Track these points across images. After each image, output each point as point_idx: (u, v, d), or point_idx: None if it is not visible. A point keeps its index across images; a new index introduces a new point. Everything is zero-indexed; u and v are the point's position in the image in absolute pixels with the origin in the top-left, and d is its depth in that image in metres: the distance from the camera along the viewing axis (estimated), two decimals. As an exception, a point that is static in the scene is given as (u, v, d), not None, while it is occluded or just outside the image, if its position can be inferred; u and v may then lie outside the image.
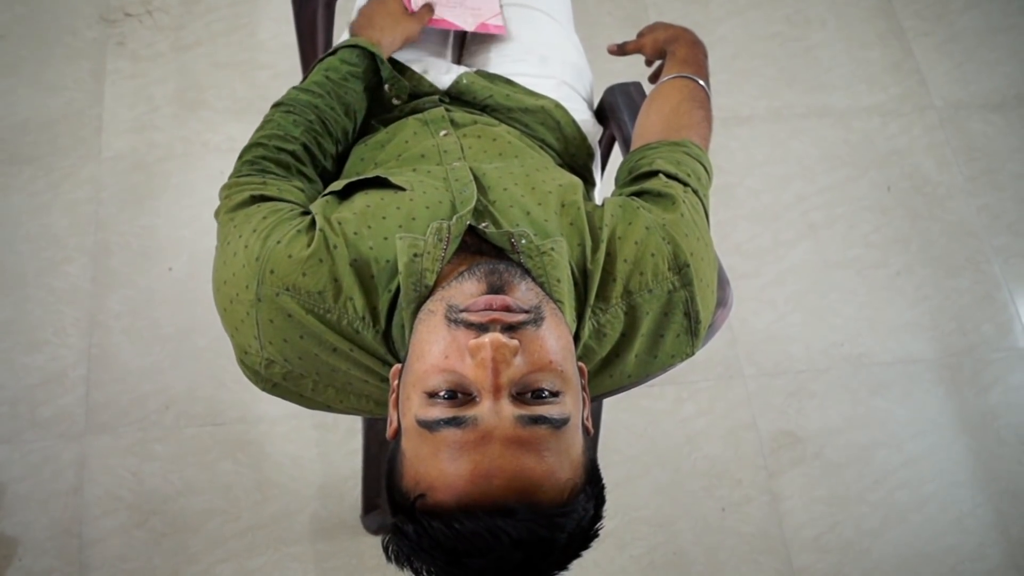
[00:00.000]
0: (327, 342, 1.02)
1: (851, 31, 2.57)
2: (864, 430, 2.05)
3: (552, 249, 1.03)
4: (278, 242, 1.04)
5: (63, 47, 2.37)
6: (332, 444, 1.94)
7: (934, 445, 2.05)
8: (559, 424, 0.88)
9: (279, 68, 2.36)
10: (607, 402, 1.75)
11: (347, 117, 1.28)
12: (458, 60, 1.53)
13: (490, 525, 0.83)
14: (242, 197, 1.13)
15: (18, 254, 2.11)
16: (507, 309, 0.91)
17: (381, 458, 1.66)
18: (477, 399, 0.88)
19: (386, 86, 1.34)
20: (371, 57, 1.32)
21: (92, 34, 2.39)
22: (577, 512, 0.87)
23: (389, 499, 0.92)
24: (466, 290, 0.94)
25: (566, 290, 1.02)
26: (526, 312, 0.92)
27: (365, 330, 1.02)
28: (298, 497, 1.90)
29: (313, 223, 1.07)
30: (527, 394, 0.89)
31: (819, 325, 2.16)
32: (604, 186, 1.47)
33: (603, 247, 1.07)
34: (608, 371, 1.10)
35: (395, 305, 1.01)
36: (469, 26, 1.46)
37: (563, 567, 0.88)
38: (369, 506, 1.82)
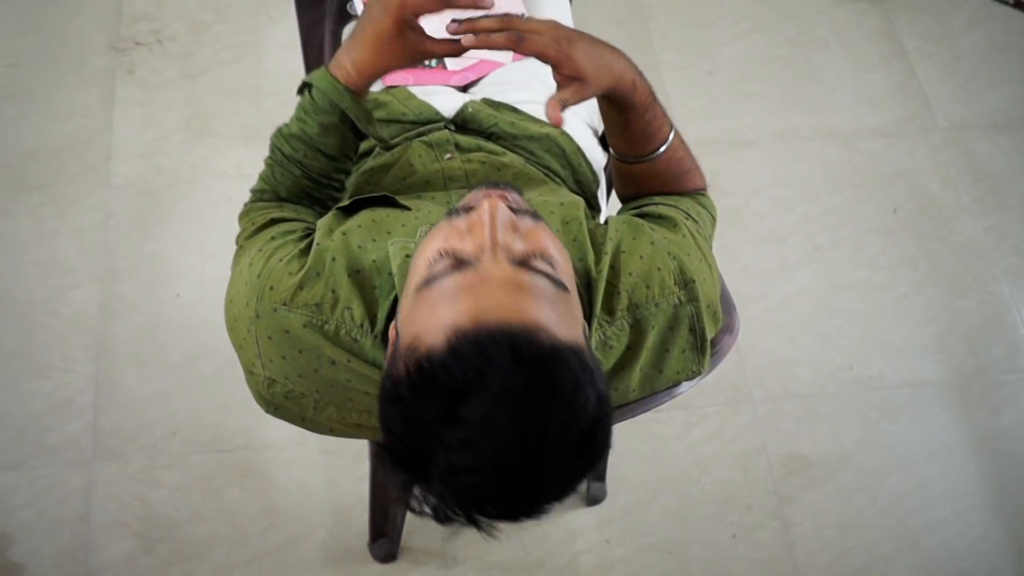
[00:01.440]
0: (325, 355, 1.03)
1: (854, 53, 2.57)
2: (874, 454, 2.04)
3: None
4: (280, 260, 1.07)
5: (73, 75, 2.39)
6: (339, 471, 1.93)
7: (945, 469, 2.04)
8: (560, 285, 0.88)
9: (286, 95, 2.36)
10: (615, 428, 1.74)
11: (337, 161, 1.20)
12: (463, 88, 1.54)
13: (491, 339, 0.80)
14: (262, 220, 1.16)
15: (26, 280, 2.11)
16: (506, 200, 0.93)
17: (388, 485, 1.66)
18: (477, 262, 0.89)
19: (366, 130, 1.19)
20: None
21: (102, 62, 2.41)
22: (575, 364, 0.83)
23: (383, 393, 0.88)
24: (467, 198, 0.97)
25: None
26: (526, 210, 0.94)
27: (363, 337, 1.03)
28: (305, 524, 1.89)
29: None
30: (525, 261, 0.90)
31: (827, 348, 2.15)
32: (609, 211, 1.47)
33: (607, 259, 1.08)
34: (613, 384, 1.10)
35: (395, 312, 1.03)
36: (507, 58, 1.46)
37: (568, 466, 0.83)
38: (376, 534, 1.81)
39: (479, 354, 0.80)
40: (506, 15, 1.04)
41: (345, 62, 1.12)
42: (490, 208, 0.90)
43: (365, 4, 1.46)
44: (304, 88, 1.16)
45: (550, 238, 0.94)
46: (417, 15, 1.08)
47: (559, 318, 0.87)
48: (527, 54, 1.04)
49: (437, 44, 1.10)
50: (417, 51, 1.10)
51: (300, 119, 1.16)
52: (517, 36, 1.03)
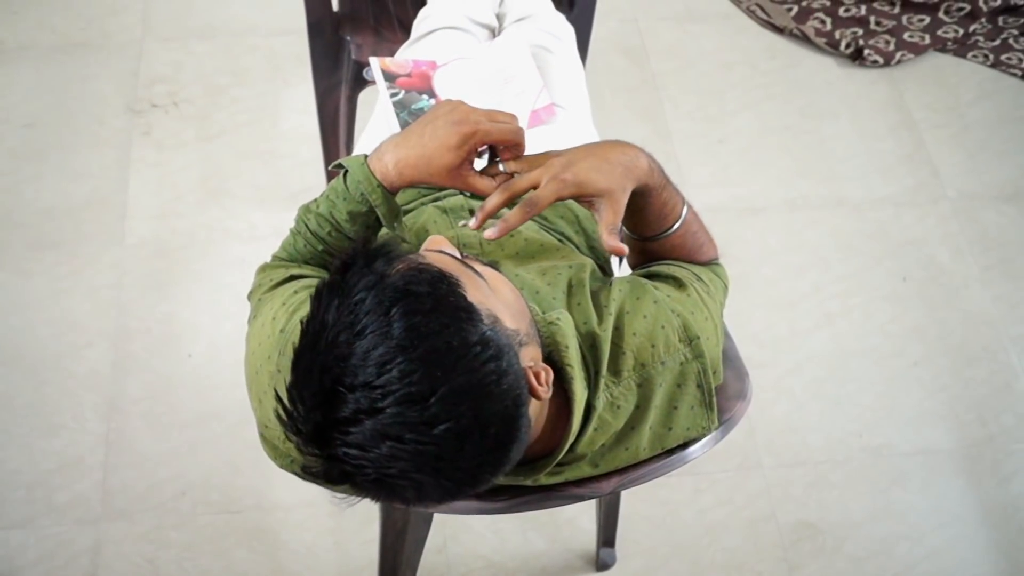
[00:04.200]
0: None
1: (863, 123, 2.61)
2: (884, 522, 2.03)
3: (558, 319, 1.06)
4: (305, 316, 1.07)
5: (90, 136, 2.42)
6: (348, 533, 1.92)
7: (956, 537, 2.02)
8: None
9: (300, 158, 2.41)
10: (625, 493, 1.74)
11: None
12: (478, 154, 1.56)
13: None
14: (281, 276, 1.18)
15: (39, 338, 2.12)
16: None
17: (397, 548, 1.65)
18: None
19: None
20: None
21: (119, 123, 2.44)
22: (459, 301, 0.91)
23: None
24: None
25: (575, 357, 1.04)
26: None
27: None
28: (313, 587, 1.88)
29: None
30: None
31: (837, 415, 2.15)
32: (621, 275, 1.48)
33: (611, 320, 1.09)
34: (623, 444, 1.11)
35: None
36: (523, 122, 1.47)
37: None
38: (384, 597, 1.80)
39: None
40: (506, 187, 1.10)
41: (388, 158, 1.11)
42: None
43: (407, 90, 1.45)
44: (339, 168, 1.17)
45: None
46: (483, 144, 1.11)
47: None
48: (545, 207, 1.07)
49: (480, 181, 1.12)
50: (463, 181, 1.12)
51: (330, 201, 1.16)
52: (529, 204, 1.06)
